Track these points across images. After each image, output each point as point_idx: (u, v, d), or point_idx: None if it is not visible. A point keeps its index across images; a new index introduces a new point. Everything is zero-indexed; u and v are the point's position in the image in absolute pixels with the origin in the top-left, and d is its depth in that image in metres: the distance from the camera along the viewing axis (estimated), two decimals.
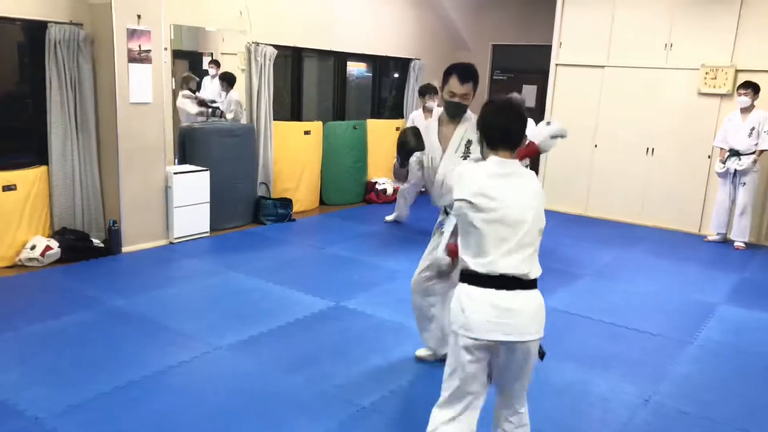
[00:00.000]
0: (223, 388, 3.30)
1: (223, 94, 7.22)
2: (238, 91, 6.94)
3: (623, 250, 6.38)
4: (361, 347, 3.88)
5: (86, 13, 5.22)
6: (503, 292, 2.18)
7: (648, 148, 7.46)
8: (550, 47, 8.09)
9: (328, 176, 7.75)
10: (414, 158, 3.40)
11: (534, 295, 2.24)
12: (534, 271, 2.22)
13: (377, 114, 8.78)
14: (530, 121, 3.24)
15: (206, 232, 6.09)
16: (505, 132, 2.27)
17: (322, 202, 7.78)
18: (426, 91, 6.83)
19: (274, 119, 6.90)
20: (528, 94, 9.03)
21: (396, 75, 9.04)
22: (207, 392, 3.25)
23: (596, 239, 5.75)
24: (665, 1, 7.26)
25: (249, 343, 3.83)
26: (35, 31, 5.03)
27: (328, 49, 7.58)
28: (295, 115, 7.52)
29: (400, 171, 3.47)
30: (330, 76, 8.08)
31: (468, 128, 3.22)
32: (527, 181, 2.26)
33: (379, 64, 8.59)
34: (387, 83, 9.06)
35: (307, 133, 7.35)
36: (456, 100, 3.19)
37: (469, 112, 3.28)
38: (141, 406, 3.07)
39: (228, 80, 7.09)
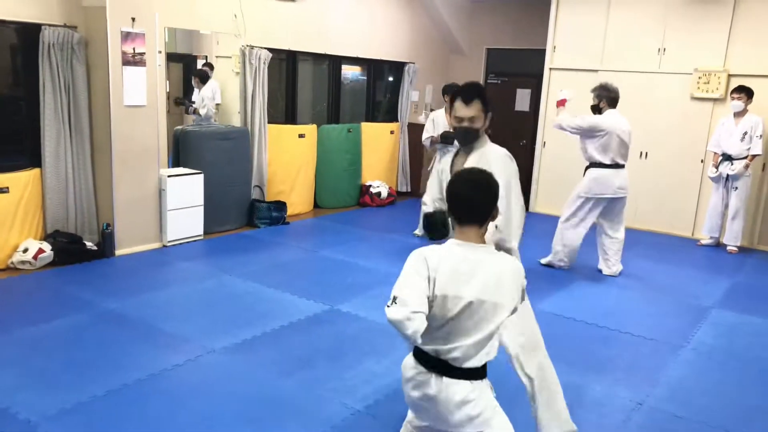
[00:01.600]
0: (217, 391, 3.29)
1: (196, 90, 7.23)
2: (233, 92, 6.94)
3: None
4: (355, 350, 3.87)
5: (80, 16, 5.21)
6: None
7: (641, 152, 7.49)
8: (544, 51, 8.12)
9: (322, 179, 7.75)
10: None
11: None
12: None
13: (372, 117, 8.79)
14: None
15: (200, 235, 6.07)
16: (468, 206, 2.11)
17: (316, 205, 7.77)
18: (449, 90, 6.44)
19: (269, 122, 6.89)
20: (522, 98, 9.05)
21: (390, 78, 9.05)
22: (201, 396, 3.24)
23: (590, 243, 5.77)
24: (659, 6, 7.30)
25: (243, 346, 3.82)
26: (29, 33, 5.01)
27: (323, 52, 7.59)
28: (290, 118, 7.51)
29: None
30: (324, 79, 8.08)
31: (481, 159, 2.77)
32: (495, 268, 2.10)
33: (373, 67, 8.60)
34: (381, 87, 9.07)
35: (301, 136, 7.35)
36: (465, 125, 2.79)
37: (485, 140, 2.88)
38: (135, 409, 3.06)
39: (200, 76, 7.12)
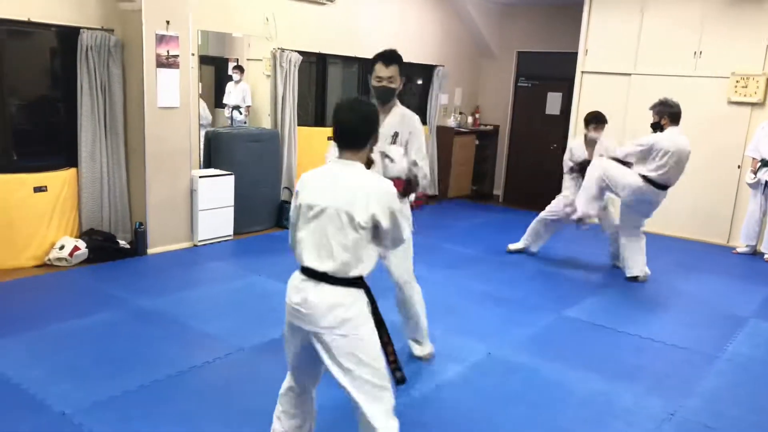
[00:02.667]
0: (246, 389, 3.32)
1: (233, 84, 7.32)
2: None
3: (648, 261, 6.28)
4: None
5: (117, 19, 5.32)
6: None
7: None
8: (575, 54, 8.04)
9: None
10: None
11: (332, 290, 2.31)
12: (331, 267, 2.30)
13: None
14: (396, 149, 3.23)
15: (230, 236, 6.15)
16: (342, 131, 2.40)
17: None
18: (590, 121, 5.81)
19: (298, 124, 6.94)
20: (552, 102, 8.97)
21: (419, 82, 9.05)
22: (230, 393, 3.28)
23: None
24: (695, 9, 7.17)
25: (271, 345, 3.85)
26: (68, 36, 5.14)
27: (353, 55, 7.62)
28: (319, 120, 7.56)
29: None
30: (354, 82, 8.12)
31: (396, 120, 3.46)
32: (352, 182, 2.31)
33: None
34: (410, 90, 9.07)
35: (330, 138, 7.36)
36: (383, 84, 3.41)
37: (398, 104, 3.52)
38: (165, 405, 3.11)
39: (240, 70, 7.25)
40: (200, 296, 4.69)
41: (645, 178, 5.21)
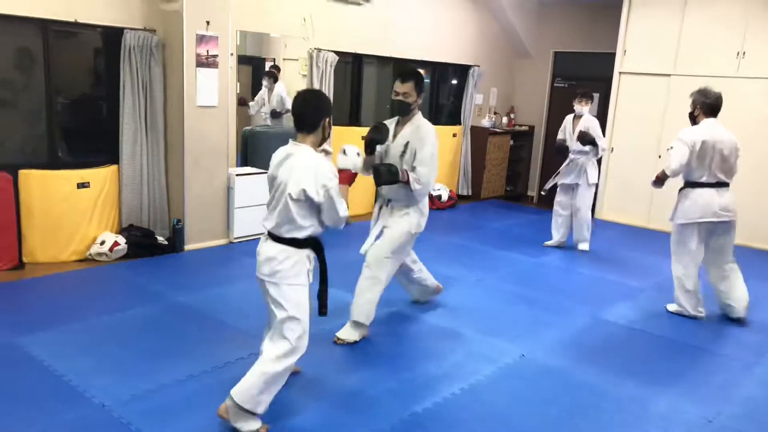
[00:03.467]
0: None
1: (265, 91, 7.40)
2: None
3: None
4: (415, 352, 3.89)
5: (159, 20, 5.44)
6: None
7: None
8: (613, 55, 7.92)
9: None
10: (378, 149, 3.91)
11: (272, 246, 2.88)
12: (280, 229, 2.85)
13: (435, 120, 8.77)
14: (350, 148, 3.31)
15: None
16: (294, 116, 2.87)
17: None
18: (578, 95, 6.36)
19: (333, 124, 6.97)
20: None
21: (454, 81, 9.03)
22: None
23: (658, 252, 5.57)
24: (738, 8, 6.99)
25: None
26: (112, 36, 5.28)
27: (388, 55, 7.64)
28: (354, 120, 7.60)
29: (369, 159, 3.91)
30: (388, 81, 8.13)
31: (411, 131, 3.86)
32: (296, 160, 2.79)
33: (437, 70, 8.59)
34: (445, 89, 9.05)
35: (364, 138, 7.40)
36: (398, 98, 3.85)
37: (419, 116, 3.92)
38: (200, 399, 3.17)
39: (273, 76, 7.31)
40: (236, 292, 4.77)
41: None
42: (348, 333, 3.94)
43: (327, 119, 2.89)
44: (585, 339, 4.28)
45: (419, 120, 3.90)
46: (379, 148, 3.92)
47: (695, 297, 4.76)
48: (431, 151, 3.84)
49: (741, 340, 4.43)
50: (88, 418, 2.96)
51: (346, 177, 3.20)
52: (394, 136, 3.92)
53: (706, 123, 4.63)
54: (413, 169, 3.84)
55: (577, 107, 6.27)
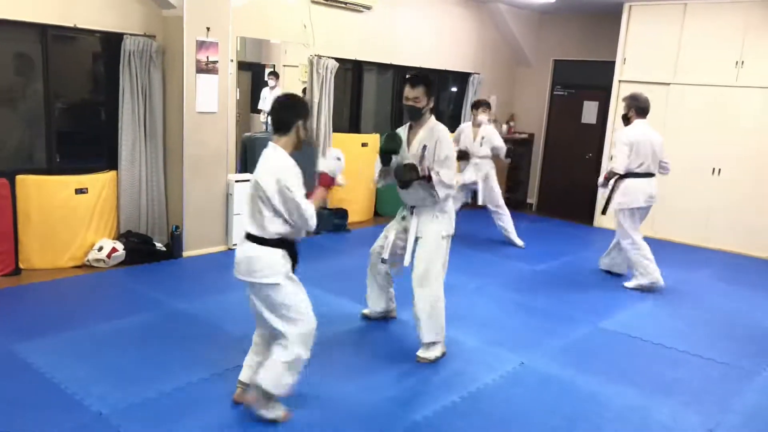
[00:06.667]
0: None
1: (268, 90, 7.41)
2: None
3: (687, 273, 6.15)
4: (414, 360, 3.86)
5: (159, 26, 5.44)
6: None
7: (714, 169, 7.20)
8: (613, 63, 7.93)
9: (382, 188, 7.77)
10: (393, 160, 3.84)
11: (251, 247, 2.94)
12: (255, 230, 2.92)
13: None
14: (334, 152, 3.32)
15: None
16: (271, 119, 3.01)
17: (376, 213, 7.82)
18: (478, 105, 6.74)
19: (333, 130, 6.99)
20: (589, 111, 8.85)
21: (454, 89, 9.03)
22: None
23: (659, 261, 5.56)
24: (737, 17, 7.02)
25: None
26: (111, 42, 5.27)
27: (388, 62, 7.65)
28: (354, 126, 7.60)
29: (385, 170, 3.92)
30: (389, 88, 8.14)
31: (426, 135, 3.78)
32: (266, 160, 2.90)
33: (437, 78, 8.60)
34: (445, 97, 9.06)
35: (364, 144, 7.42)
36: (409, 103, 3.74)
37: (432, 120, 3.82)
38: (198, 407, 3.14)
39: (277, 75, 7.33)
40: (234, 299, 4.72)
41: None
42: (426, 353, 3.87)
43: (301, 122, 2.94)
44: (586, 347, 4.26)
45: (433, 122, 3.83)
46: (394, 158, 3.84)
47: (653, 263, 5.42)
48: (449, 152, 3.77)
49: (741, 348, 4.41)
50: (85, 426, 2.93)
51: (325, 180, 3.19)
52: (408, 142, 3.86)
53: (639, 123, 5.33)
54: (436, 172, 3.73)
55: (480, 116, 6.64)
